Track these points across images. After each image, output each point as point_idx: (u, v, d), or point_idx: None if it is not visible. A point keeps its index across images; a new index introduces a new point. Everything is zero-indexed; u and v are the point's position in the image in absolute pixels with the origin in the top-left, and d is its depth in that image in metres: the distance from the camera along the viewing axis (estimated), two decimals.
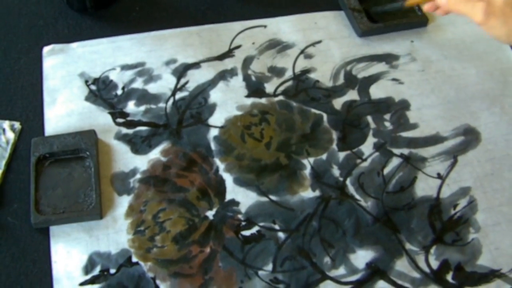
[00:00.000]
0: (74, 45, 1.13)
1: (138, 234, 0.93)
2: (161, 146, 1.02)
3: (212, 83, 1.10)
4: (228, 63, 1.14)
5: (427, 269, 0.93)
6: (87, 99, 1.07)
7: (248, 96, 1.10)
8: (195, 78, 1.11)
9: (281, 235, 0.94)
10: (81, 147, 0.98)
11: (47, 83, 1.08)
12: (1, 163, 0.97)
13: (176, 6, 1.22)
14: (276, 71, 1.13)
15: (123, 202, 0.96)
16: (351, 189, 1.00)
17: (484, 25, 0.89)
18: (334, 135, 1.06)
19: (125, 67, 1.11)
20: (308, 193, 0.99)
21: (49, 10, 1.18)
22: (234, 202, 0.97)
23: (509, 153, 1.06)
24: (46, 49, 1.12)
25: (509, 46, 1.21)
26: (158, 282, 0.89)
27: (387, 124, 1.08)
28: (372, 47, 1.19)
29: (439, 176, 1.02)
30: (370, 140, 1.05)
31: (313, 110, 1.09)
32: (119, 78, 1.10)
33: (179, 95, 1.08)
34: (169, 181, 0.98)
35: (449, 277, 0.93)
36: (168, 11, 1.21)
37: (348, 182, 1.00)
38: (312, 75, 1.14)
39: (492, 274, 0.93)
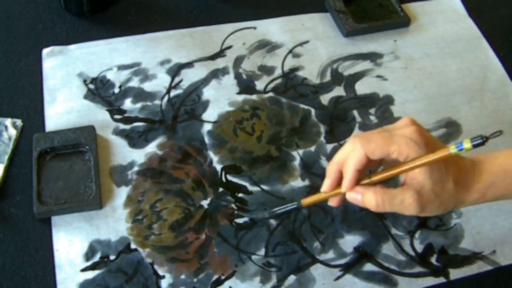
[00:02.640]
0: (72, 47, 1.17)
1: (136, 223, 0.96)
2: (157, 140, 1.06)
3: (205, 81, 1.15)
4: (220, 63, 1.18)
5: (412, 252, 0.97)
6: (85, 97, 1.10)
7: (239, 93, 1.14)
8: (188, 77, 1.15)
9: (272, 222, 0.98)
10: (81, 142, 1.01)
11: (47, 83, 1.11)
12: (4, 158, 1.00)
13: (169, 10, 1.26)
14: (266, 70, 1.18)
15: (122, 193, 0.99)
16: None
17: (420, 214, 0.80)
18: (322, 128, 1.10)
19: (121, 67, 1.15)
20: (298, 183, 1.03)
21: (48, 14, 1.22)
22: (227, 192, 1.01)
23: (488, 144, 1.10)
24: (45, 51, 1.15)
25: (487, 44, 1.26)
26: (156, 267, 0.92)
27: (372, 118, 1.12)
28: (357, 46, 1.24)
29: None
30: (356, 133, 1.10)
31: (302, 106, 1.13)
32: (116, 77, 1.13)
33: (173, 93, 1.12)
34: (165, 173, 1.02)
35: (433, 259, 0.97)
36: (162, 14, 1.25)
37: None
38: (300, 73, 1.18)
39: (474, 256, 0.97)
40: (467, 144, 0.72)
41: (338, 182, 0.84)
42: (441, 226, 1.00)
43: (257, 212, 0.98)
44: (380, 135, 0.79)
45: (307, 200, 0.88)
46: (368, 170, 0.87)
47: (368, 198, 0.79)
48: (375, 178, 0.81)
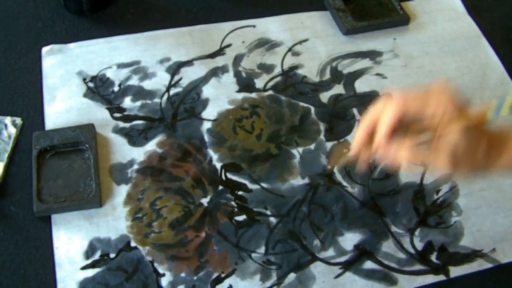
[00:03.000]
0: (72, 45, 1.17)
1: (136, 221, 0.96)
2: (156, 138, 1.06)
3: (205, 80, 1.15)
4: (219, 61, 1.18)
5: (412, 250, 0.97)
6: (85, 95, 1.10)
7: (239, 91, 1.14)
8: (188, 75, 1.15)
9: (272, 220, 0.98)
10: (81, 140, 1.01)
11: (47, 81, 1.11)
12: (3, 156, 1.00)
13: (168, 8, 1.26)
14: (265, 68, 1.18)
15: (122, 191, 1.00)
16: (338, 177, 1.04)
17: (453, 171, 0.78)
18: (322, 126, 1.10)
19: (121, 66, 1.15)
20: (298, 181, 1.03)
21: (47, 13, 1.22)
22: (227, 190, 1.01)
23: None
24: (45, 50, 1.15)
25: (487, 42, 1.26)
26: (156, 265, 0.92)
27: None
28: (356, 45, 1.24)
29: (422, 163, 1.06)
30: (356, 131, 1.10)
31: (301, 104, 1.13)
32: (115, 75, 1.13)
33: (173, 91, 1.12)
34: (165, 171, 1.02)
35: (433, 257, 0.97)
36: (161, 13, 1.25)
37: (335, 170, 1.04)
38: (300, 71, 1.18)
39: (474, 254, 0.97)
40: (505, 111, 0.72)
41: (368, 139, 0.81)
42: (441, 224, 1.00)
43: None
44: (416, 92, 0.78)
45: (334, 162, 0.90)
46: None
47: (401, 157, 0.78)
48: (409, 138, 0.78)
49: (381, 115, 0.79)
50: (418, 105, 0.76)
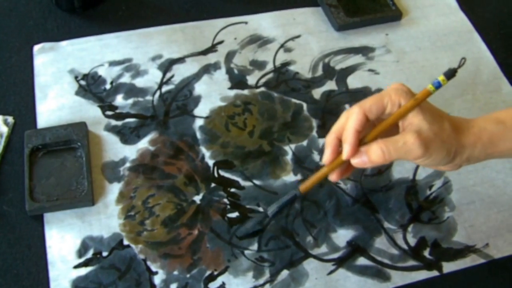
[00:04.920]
0: (64, 43, 1.17)
1: (128, 219, 0.96)
2: (149, 136, 1.06)
3: (197, 77, 1.14)
4: (211, 58, 1.18)
5: (405, 246, 0.97)
6: (77, 93, 1.10)
7: (231, 88, 1.14)
8: (180, 72, 1.15)
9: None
10: (73, 138, 1.01)
11: (39, 79, 1.11)
12: None
13: (160, 5, 1.26)
14: (258, 64, 1.18)
15: (114, 189, 0.99)
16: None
17: (425, 156, 0.79)
18: (314, 122, 1.10)
19: (112, 63, 1.15)
20: (290, 177, 1.03)
21: (38, 10, 1.21)
22: (220, 188, 1.01)
23: None
24: (36, 48, 1.15)
25: (479, 37, 1.26)
26: (149, 263, 0.92)
27: None
28: (348, 41, 1.24)
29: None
30: None
31: (294, 100, 1.13)
32: (107, 73, 1.13)
33: (165, 88, 1.12)
34: (158, 169, 1.02)
35: (426, 253, 0.97)
36: (153, 10, 1.25)
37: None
38: (292, 67, 1.18)
39: (467, 250, 0.97)
40: (441, 78, 0.79)
41: (337, 154, 0.83)
42: (434, 219, 1.00)
43: (256, 218, 0.98)
44: (372, 95, 0.82)
45: (305, 185, 0.87)
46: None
47: (373, 151, 0.79)
48: (374, 131, 0.82)
49: (345, 124, 0.81)
50: (376, 104, 0.80)
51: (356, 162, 0.81)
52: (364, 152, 0.80)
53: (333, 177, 0.86)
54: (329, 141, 0.84)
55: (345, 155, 0.81)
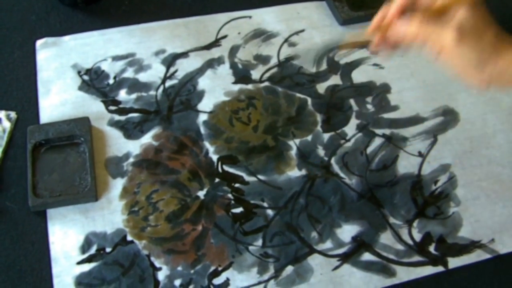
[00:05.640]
0: (66, 38, 1.16)
1: (132, 214, 0.96)
2: (152, 131, 1.05)
3: (200, 71, 1.14)
4: (215, 52, 1.17)
5: (410, 242, 0.97)
6: (80, 88, 1.09)
7: (235, 82, 1.13)
8: (183, 67, 1.14)
9: (269, 212, 0.98)
10: (76, 134, 1.00)
11: (41, 75, 1.10)
12: None
13: (163, 0, 1.26)
14: (262, 59, 1.17)
15: (117, 185, 0.99)
16: (336, 168, 1.03)
17: (455, 51, 0.77)
18: (319, 117, 1.10)
19: (116, 58, 1.14)
20: (295, 173, 1.03)
21: (41, 5, 1.20)
22: (223, 183, 1.01)
23: (486, 131, 1.10)
24: (39, 42, 1.14)
25: None
26: (152, 259, 0.92)
27: (369, 106, 1.12)
28: (354, 35, 1.22)
29: (420, 154, 1.06)
30: (353, 122, 1.09)
31: (298, 95, 1.12)
32: (110, 68, 1.12)
33: (168, 83, 1.11)
34: (161, 164, 1.01)
35: (431, 248, 0.97)
36: (155, 4, 1.24)
37: (333, 161, 1.04)
38: (296, 62, 1.17)
39: (473, 245, 0.97)
40: None
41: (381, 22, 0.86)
42: (439, 214, 1.00)
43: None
44: None
45: (347, 43, 1.00)
46: None
47: (414, 20, 0.79)
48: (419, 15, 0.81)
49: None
50: None
51: (397, 27, 0.82)
52: (406, 20, 0.81)
53: (373, 44, 0.88)
54: (378, 15, 0.87)
55: (391, 11, 0.83)
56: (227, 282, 0.91)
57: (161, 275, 0.90)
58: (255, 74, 1.15)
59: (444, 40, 0.77)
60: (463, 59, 0.78)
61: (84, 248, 0.92)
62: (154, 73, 1.12)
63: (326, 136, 1.07)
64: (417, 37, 0.80)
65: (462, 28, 0.76)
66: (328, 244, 0.96)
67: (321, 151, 1.05)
